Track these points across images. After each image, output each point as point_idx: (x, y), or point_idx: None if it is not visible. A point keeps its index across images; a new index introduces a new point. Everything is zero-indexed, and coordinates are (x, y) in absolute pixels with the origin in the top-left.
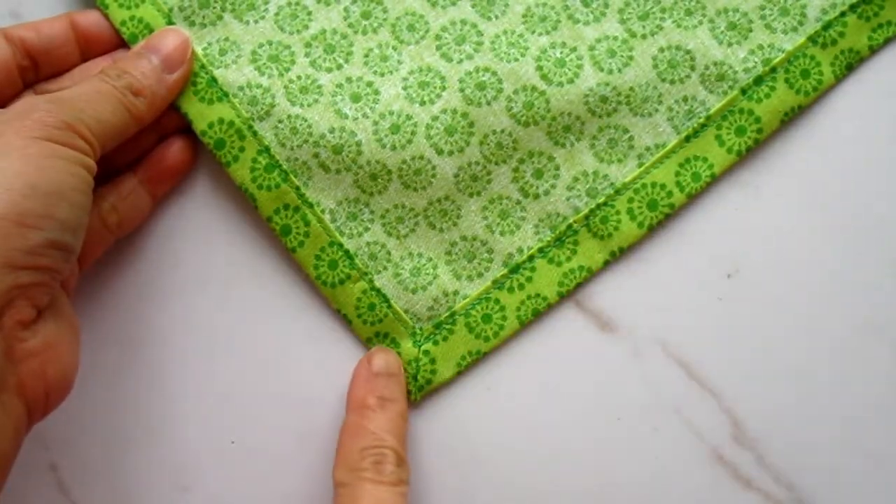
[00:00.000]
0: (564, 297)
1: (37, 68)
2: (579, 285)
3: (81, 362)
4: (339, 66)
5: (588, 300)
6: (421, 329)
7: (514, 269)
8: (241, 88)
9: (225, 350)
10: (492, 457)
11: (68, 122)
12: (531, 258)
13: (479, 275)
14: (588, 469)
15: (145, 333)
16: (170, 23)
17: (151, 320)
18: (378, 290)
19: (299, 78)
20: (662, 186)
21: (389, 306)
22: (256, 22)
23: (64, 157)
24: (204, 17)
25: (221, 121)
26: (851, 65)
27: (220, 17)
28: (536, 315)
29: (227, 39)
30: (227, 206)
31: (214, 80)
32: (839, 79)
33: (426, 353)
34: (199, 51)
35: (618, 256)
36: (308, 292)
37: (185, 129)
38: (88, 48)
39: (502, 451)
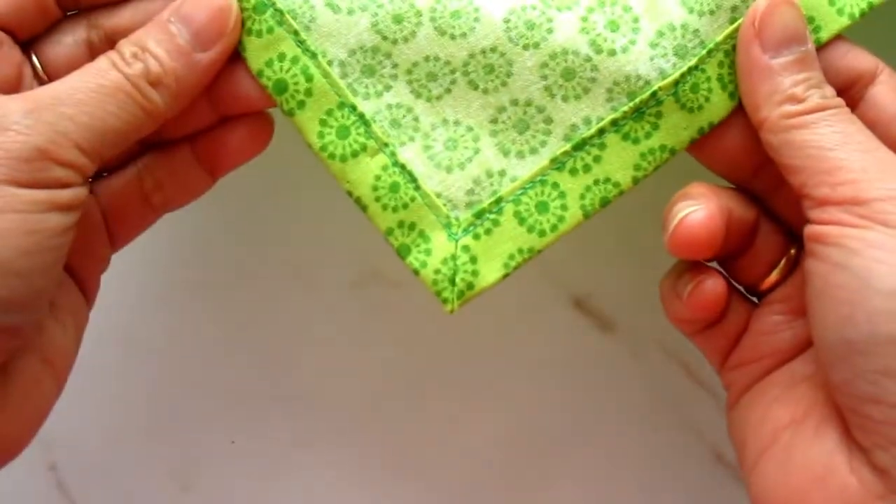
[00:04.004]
0: (640, 182)
1: None
2: (657, 168)
3: (81, 361)
4: None
5: (588, 300)
6: (458, 219)
7: (579, 146)
8: None
9: (225, 350)
10: (489, 455)
11: (42, 148)
12: (601, 132)
13: (533, 151)
14: (588, 468)
15: (145, 333)
16: None
17: (151, 320)
18: (402, 167)
19: None
20: None
21: (417, 188)
22: None
23: (18, 208)
24: None
25: None
26: None
27: None
28: (605, 205)
29: None
30: (228, 206)
31: None
32: None
33: (465, 248)
34: None
35: (706, 133)
36: (308, 292)
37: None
38: None
39: (502, 449)
